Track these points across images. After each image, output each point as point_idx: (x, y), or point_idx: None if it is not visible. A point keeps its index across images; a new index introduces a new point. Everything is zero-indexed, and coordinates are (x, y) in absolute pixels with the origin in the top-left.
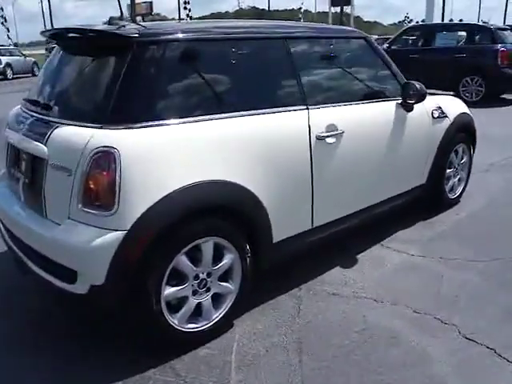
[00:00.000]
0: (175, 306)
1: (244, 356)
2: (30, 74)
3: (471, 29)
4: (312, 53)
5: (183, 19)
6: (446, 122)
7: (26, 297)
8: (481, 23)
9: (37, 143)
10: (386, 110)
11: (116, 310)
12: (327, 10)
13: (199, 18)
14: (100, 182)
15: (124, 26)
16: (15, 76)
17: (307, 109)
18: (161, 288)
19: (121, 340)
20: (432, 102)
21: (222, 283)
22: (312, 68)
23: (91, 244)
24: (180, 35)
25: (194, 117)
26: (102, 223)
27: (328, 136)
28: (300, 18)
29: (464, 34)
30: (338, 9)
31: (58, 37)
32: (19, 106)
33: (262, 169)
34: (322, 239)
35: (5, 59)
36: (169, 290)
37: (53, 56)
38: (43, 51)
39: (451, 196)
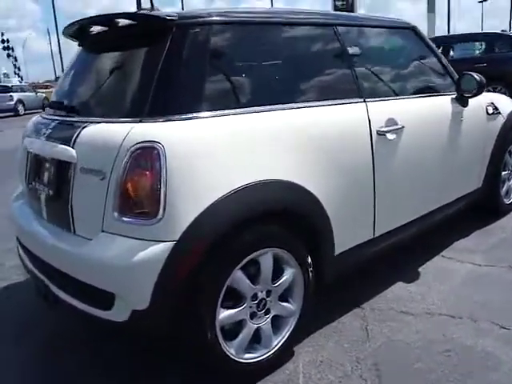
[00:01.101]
0: (231, 332)
1: None
2: (40, 110)
3: (490, 38)
4: (363, 43)
5: None
6: (500, 119)
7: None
8: (500, 32)
9: (63, 146)
10: (443, 105)
11: (163, 340)
12: None
13: None
14: (141, 183)
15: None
16: (27, 112)
17: (364, 101)
18: (215, 311)
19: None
20: (485, 97)
21: (282, 303)
22: (365, 59)
23: (132, 259)
24: (224, 17)
25: (245, 107)
26: (145, 234)
27: (389, 131)
28: None
29: (483, 43)
30: None
31: (82, 35)
32: (38, 115)
33: (322, 168)
34: (383, 250)
35: (16, 95)
36: (224, 313)
37: (76, 58)
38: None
39: (507, 201)
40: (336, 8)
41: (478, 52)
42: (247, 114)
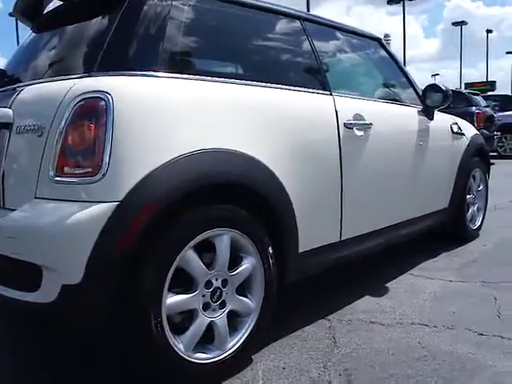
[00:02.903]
0: (179, 325)
1: None
2: None
3: None
4: (330, 42)
5: None
6: (464, 140)
7: None
8: (455, 89)
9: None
10: (409, 113)
11: (98, 325)
12: None
13: None
14: (83, 137)
15: None
16: None
17: (331, 95)
18: (162, 293)
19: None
20: (449, 117)
21: (240, 297)
22: (332, 56)
23: (64, 222)
24: None
25: (205, 76)
26: (84, 195)
27: (356, 125)
28: None
29: None
30: None
31: (33, 12)
32: None
33: (287, 149)
34: (349, 257)
35: None
36: (172, 298)
37: (24, 41)
38: None
39: (472, 226)
40: None
41: None
42: (215, 82)
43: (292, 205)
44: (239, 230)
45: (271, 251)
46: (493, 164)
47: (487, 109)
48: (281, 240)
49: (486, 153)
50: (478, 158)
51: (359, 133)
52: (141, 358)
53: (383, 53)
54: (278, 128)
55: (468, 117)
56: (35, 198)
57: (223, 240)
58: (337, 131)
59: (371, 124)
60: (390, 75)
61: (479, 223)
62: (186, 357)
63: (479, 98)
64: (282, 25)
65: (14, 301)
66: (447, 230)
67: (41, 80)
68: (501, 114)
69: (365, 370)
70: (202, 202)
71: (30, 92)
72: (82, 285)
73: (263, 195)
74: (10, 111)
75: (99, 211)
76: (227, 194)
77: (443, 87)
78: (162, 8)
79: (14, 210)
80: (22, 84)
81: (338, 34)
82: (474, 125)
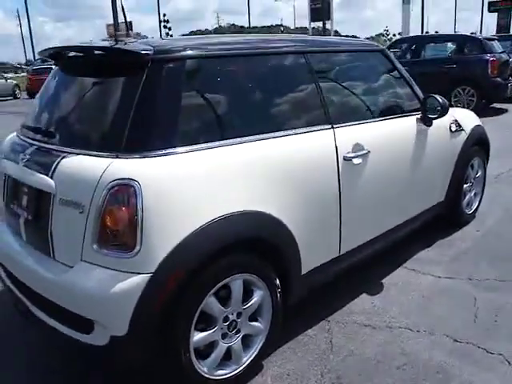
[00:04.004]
0: (203, 352)
1: None
2: (11, 97)
3: (461, 40)
4: (333, 68)
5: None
6: (463, 136)
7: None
8: (469, 34)
9: (41, 176)
10: (408, 126)
11: (141, 363)
12: (306, 26)
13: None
14: (119, 219)
15: (132, 42)
16: None
17: (332, 128)
18: (189, 335)
19: None
20: (448, 114)
21: (251, 323)
22: (333, 84)
23: (110, 290)
24: (198, 51)
25: (217, 141)
26: (123, 266)
27: (355, 157)
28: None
29: (453, 45)
30: (316, 24)
31: (60, 56)
32: (15, 133)
33: (290, 195)
34: (349, 266)
35: None
36: (198, 336)
37: (52, 78)
38: (25, 73)
39: (468, 211)
40: (311, 8)
41: (448, 53)
42: (220, 147)
43: (296, 243)
44: (251, 273)
45: (278, 283)
46: (506, 111)
47: (503, 54)
48: (285, 271)
49: (486, 140)
50: (476, 147)
51: (357, 161)
52: (174, 381)
53: (386, 63)
54: (284, 179)
55: (482, 64)
56: (81, 260)
57: (237, 283)
58: (336, 166)
59: (369, 152)
60: (392, 85)
61: (475, 207)
62: (209, 376)
63: (495, 44)
64: (285, 64)
65: (74, 340)
66: (443, 216)
67: (74, 150)
68: None
69: (353, 378)
70: (221, 257)
71: (67, 167)
72: (127, 336)
73: (273, 243)
74: (53, 183)
75: (138, 281)
76: (244, 247)
77: (441, 100)
78: (179, 77)
79: (64, 264)
80: (56, 149)
81: (341, 56)
82: (487, 73)
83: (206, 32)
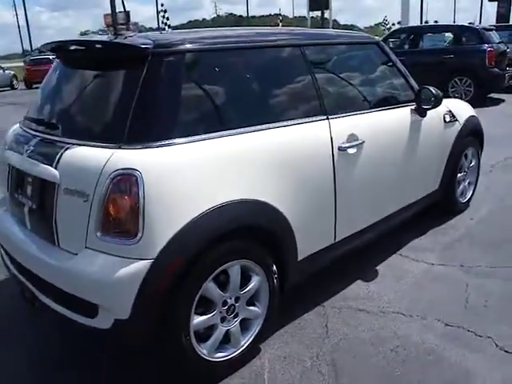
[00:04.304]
0: (203, 335)
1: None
2: (9, 88)
3: (458, 30)
4: (329, 61)
5: (163, 29)
6: (457, 126)
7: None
8: (467, 24)
9: (46, 166)
10: (402, 116)
11: (143, 345)
12: (304, 15)
13: (176, 27)
14: (122, 207)
15: (131, 36)
16: None
17: (327, 119)
18: (190, 318)
19: (147, 374)
20: (443, 105)
21: (249, 307)
22: (328, 76)
23: (114, 275)
24: (197, 45)
25: (215, 132)
26: (126, 252)
27: (350, 147)
28: (278, 24)
29: (451, 35)
30: (315, 13)
31: (61, 50)
32: (18, 125)
33: (287, 184)
34: (343, 253)
35: None
36: (197, 320)
37: (54, 70)
38: (21, 63)
39: (462, 200)
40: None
41: (446, 43)
42: (219, 138)
43: (292, 230)
44: (248, 259)
45: (274, 268)
46: (503, 101)
47: (500, 45)
48: (282, 257)
49: (480, 131)
50: (471, 138)
51: (352, 151)
52: (176, 363)
53: (382, 55)
54: (281, 168)
55: (479, 54)
56: (85, 247)
57: (235, 269)
58: (331, 156)
59: (364, 142)
60: (387, 77)
61: (469, 196)
62: (209, 358)
63: (493, 34)
64: (281, 57)
65: (79, 324)
66: (437, 205)
67: (78, 142)
68: None
69: (348, 360)
70: (220, 244)
71: (71, 157)
72: (130, 319)
73: (270, 230)
74: (57, 173)
75: (140, 267)
76: (242, 234)
77: (434, 91)
78: (178, 70)
79: (68, 251)
80: (60, 140)
81: (337, 48)
82: (485, 63)
83: (203, 22)
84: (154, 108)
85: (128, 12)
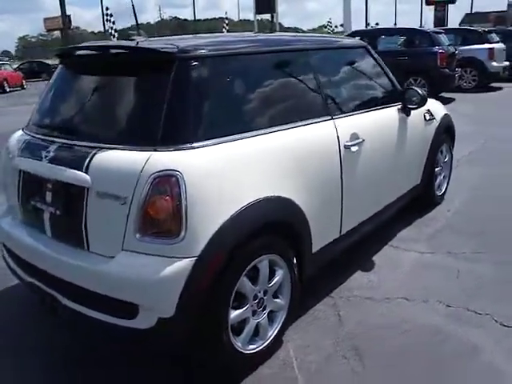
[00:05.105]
0: (236, 328)
1: (308, 370)
2: None
3: (411, 33)
4: (328, 64)
5: (110, 33)
6: (435, 124)
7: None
8: (419, 28)
9: (74, 171)
10: (391, 115)
11: (184, 342)
12: (248, 18)
13: (120, 31)
14: (163, 208)
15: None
16: None
17: (332, 119)
18: (228, 313)
19: (174, 370)
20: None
21: (275, 300)
22: (329, 78)
23: (159, 275)
24: (218, 49)
25: (242, 133)
26: (168, 252)
27: (353, 145)
28: (225, 28)
29: (404, 38)
30: (261, 16)
31: (75, 55)
32: (21, 131)
33: (302, 181)
34: (348, 245)
35: None
36: (234, 314)
37: (63, 76)
38: None
39: (438, 193)
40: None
41: (398, 45)
42: (245, 139)
43: (308, 223)
44: (275, 253)
45: (295, 261)
46: (453, 100)
47: (450, 47)
48: (300, 249)
49: (452, 128)
50: (445, 135)
51: (354, 149)
52: (214, 357)
53: (369, 58)
54: (297, 166)
55: (431, 56)
56: (122, 249)
57: (264, 263)
58: (338, 154)
59: (364, 140)
60: (375, 79)
61: (444, 189)
62: (243, 351)
63: (442, 37)
64: (293, 61)
65: (112, 325)
66: (418, 198)
67: (106, 145)
68: (461, 48)
69: (367, 344)
70: (253, 239)
71: (103, 161)
72: (174, 317)
73: (292, 224)
74: (88, 177)
75: (184, 265)
76: (269, 229)
77: (420, 91)
78: (204, 74)
79: (101, 255)
80: (86, 145)
81: (333, 52)
82: (436, 64)
83: (148, 25)
84: (185, 111)
85: (69, 16)
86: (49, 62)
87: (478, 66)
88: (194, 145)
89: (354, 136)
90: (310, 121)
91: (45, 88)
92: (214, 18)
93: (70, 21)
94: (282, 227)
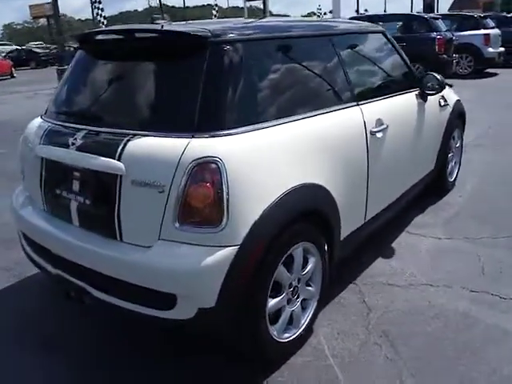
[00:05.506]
0: (271, 318)
1: (342, 358)
2: None
3: (409, 19)
4: (350, 49)
5: (99, 21)
6: (448, 110)
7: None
8: (416, 13)
9: (107, 159)
10: (411, 101)
11: (224, 331)
12: (237, 5)
13: (109, 17)
14: (204, 196)
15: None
16: None
17: (358, 105)
18: (266, 302)
19: (205, 358)
20: None
21: (307, 288)
22: (352, 64)
23: (200, 264)
24: (249, 33)
25: (279, 118)
26: (209, 240)
27: (378, 131)
28: (215, 15)
29: (402, 23)
30: (250, 3)
31: (98, 40)
32: (40, 120)
33: (333, 167)
34: (371, 232)
35: None
36: (271, 303)
37: (83, 62)
38: None
39: (450, 179)
40: None
41: (397, 32)
42: (282, 124)
43: (338, 210)
44: (308, 241)
45: (326, 248)
46: (451, 86)
47: (447, 33)
48: (331, 236)
49: (464, 114)
50: (457, 120)
51: (379, 135)
52: (252, 346)
53: (387, 43)
54: (327, 151)
55: (429, 42)
56: (159, 239)
57: (299, 251)
58: (365, 139)
59: (388, 126)
60: (394, 64)
61: (455, 175)
62: (278, 339)
63: (440, 22)
64: (320, 47)
65: (150, 317)
66: (431, 184)
67: (139, 132)
68: (457, 33)
69: (397, 330)
70: (291, 227)
71: (138, 148)
72: (215, 307)
73: (324, 211)
74: (122, 165)
75: (227, 254)
76: (304, 216)
77: (439, 77)
78: (238, 58)
79: (136, 244)
80: (117, 132)
81: (354, 37)
82: (435, 50)
83: (135, 13)
84: (222, 96)
85: (56, 1)
86: (37, 50)
87: (474, 52)
88: (232, 131)
89: (379, 122)
90: (339, 106)
91: (65, 74)
92: (204, 5)
93: (57, 6)
94: (316, 214)
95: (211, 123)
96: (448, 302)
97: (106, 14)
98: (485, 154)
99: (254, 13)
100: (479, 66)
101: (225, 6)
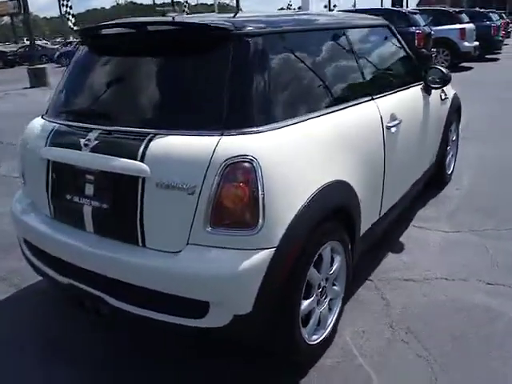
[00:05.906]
0: (303, 319)
1: (371, 357)
2: None
3: (387, 14)
4: (363, 43)
5: (67, 18)
6: (448, 103)
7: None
8: (396, 8)
9: (128, 160)
10: (418, 95)
11: (260, 338)
12: (206, 2)
13: (77, 15)
14: (239, 197)
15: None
16: None
17: (373, 99)
18: (300, 304)
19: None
20: None
21: (333, 287)
22: (365, 58)
23: (236, 269)
24: (271, 26)
25: (306, 114)
26: (245, 243)
27: (393, 126)
28: (187, 12)
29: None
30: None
31: (105, 33)
32: (42, 121)
33: (354, 163)
34: (385, 227)
35: None
36: (304, 304)
37: (89, 58)
38: None
39: (448, 172)
40: None
41: None
42: (309, 120)
43: (360, 206)
44: (335, 240)
45: (350, 247)
46: None
47: (425, 27)
48: (353, 234)
49: (460, 107)
50: (455, 114)
51: (394, 129)
52: (285, 350)
53: (393, 37)
54: (350, 147)
55: (408, 37)
56: (188, 244)
57: (327, 250)
58: (382, 135)
59: (401, 121)
60: (401, 58)
61: (452, 168)
62: (309, 341)
63: (418, 17)
64: (338, 40)
65: (176, 326)
66: (432, 177)
67: (162, 131)
68: (435, 28)
69: (421, 326)
70: (322, 226)
71: (162, 148)
72: (251, 314)
73: (350, 209)
74: (145, 167)
75: (264, 257)
76: (333, 214)
77: (444, 70)
78: (263, 51)
79: (161, 250)
80: (137, 132)
81: (365, 31)
82: (414, 44)
83: (102, 10)
84: (251, 91)
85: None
86: (3, 49)
87: (451, 46)
88: (261, 128)
89: (393, 117)
90: (358, 100)
91: (67, 71)
92: (173, 1)
93: (20, 5)
94: (343, 211)
95: (240, 120)
96: (466, 296)
97: (74, 11)
98: (470, 147)
99: (224, 9)
100: (456, 60)
101: (193, 2)
